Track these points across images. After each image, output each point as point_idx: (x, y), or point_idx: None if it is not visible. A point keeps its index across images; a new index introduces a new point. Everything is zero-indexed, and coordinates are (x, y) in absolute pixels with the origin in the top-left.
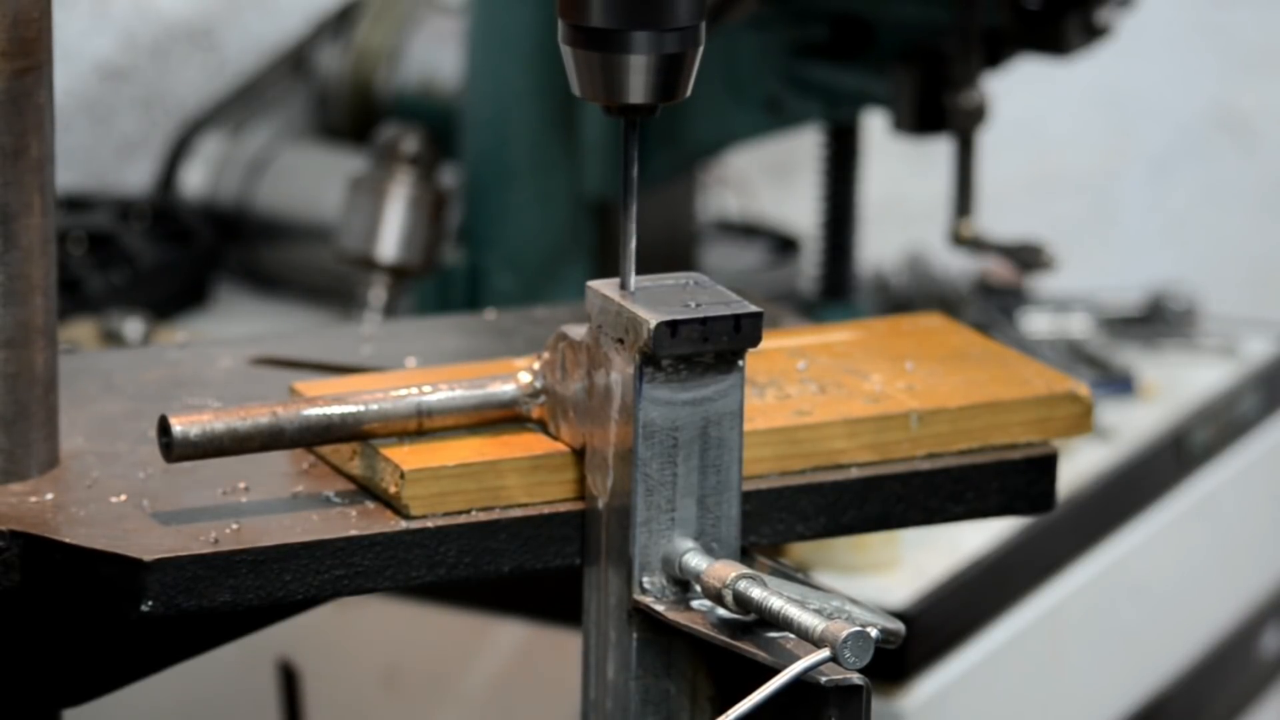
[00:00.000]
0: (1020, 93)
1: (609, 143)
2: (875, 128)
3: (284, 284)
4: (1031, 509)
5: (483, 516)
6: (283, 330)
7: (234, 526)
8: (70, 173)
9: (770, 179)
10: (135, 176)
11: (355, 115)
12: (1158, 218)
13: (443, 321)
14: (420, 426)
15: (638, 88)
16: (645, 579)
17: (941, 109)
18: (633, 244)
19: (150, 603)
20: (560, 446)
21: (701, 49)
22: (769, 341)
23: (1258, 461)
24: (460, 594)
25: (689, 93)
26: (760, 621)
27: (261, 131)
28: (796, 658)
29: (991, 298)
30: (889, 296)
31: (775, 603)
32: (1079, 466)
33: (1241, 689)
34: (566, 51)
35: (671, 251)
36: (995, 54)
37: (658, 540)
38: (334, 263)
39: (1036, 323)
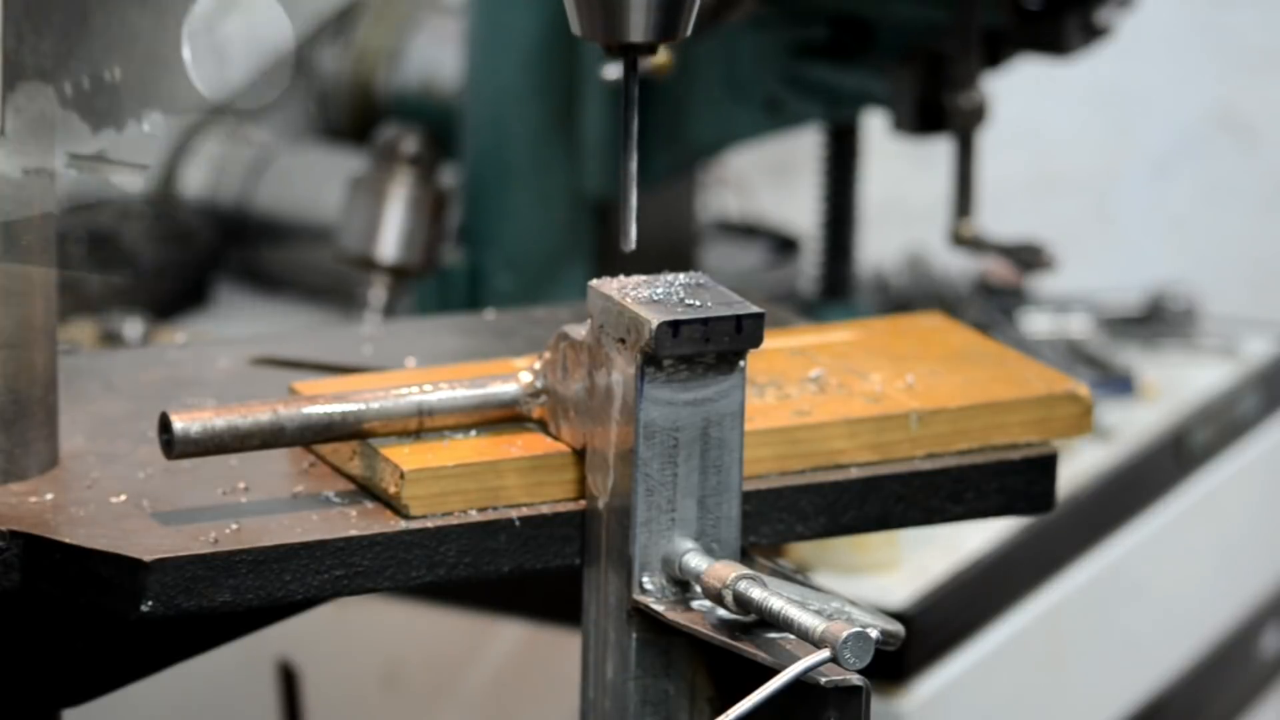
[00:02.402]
0: (1020, 93)
1: (609, 143)
2: (875, 128)
3: (284, 284)
4: (1031, 509)
5: (482, 516)
6: (283, 330)
7: (234, 526)
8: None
9: (770, 179)
10: None
11: (355, 115)
12: (1158, 218)
13: (443, 321)
14: (421, 426)
15: (638, 26)
16: (645, 579)
17: (941, 109)
18: (634, 198)
19: (150, 603)
20: (560, 446)
21: None
22: (769, 341)
23: (1258, 461)
24: (460, 594)
25: (689, 32)
26: (760, 622)
27: (261, 131)
28: (796, 658)
29: (991, 298)
30: (889, 296)
31: (775, 603)
32: (1079, 466)
33: (1241, 689)
34: None
35: (671, 251)
36: (995, 54)
37: (658, 540)
38: (334, 263)
39: (1036, 323)
